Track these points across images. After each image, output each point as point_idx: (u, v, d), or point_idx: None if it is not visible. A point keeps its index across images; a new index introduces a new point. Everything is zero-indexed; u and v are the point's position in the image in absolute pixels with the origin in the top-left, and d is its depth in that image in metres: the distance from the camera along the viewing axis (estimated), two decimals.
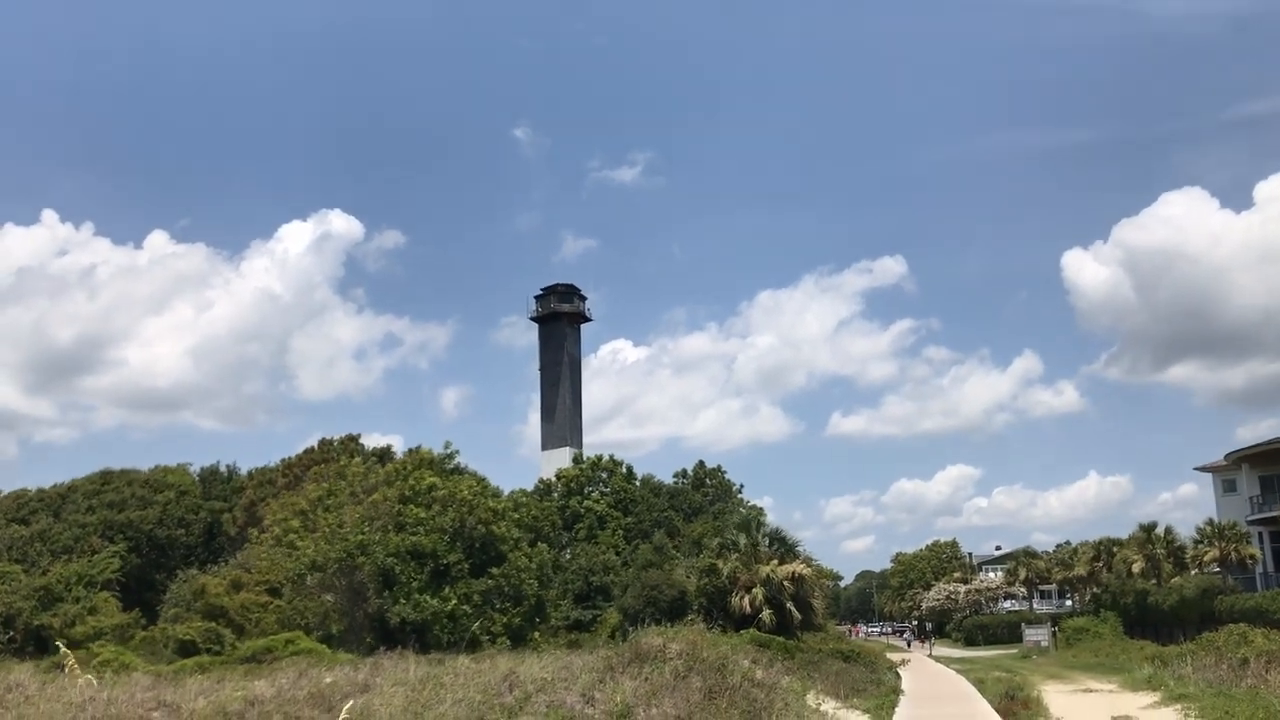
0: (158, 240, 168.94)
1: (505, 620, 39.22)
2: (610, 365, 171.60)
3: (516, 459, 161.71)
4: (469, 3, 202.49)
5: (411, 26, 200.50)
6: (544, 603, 43.54)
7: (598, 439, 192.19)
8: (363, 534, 39.12)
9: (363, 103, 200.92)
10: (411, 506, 40.68)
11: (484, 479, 47.61)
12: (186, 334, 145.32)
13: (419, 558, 39.14)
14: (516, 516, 43.68)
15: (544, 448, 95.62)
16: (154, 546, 58.86)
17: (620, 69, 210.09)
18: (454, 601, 38.37)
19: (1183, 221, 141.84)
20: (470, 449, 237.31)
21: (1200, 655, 30.36)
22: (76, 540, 54.67)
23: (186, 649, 39.97)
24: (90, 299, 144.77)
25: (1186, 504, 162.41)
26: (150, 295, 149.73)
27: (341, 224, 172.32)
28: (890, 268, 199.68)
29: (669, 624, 33.27)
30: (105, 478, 61.81)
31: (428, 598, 37.99)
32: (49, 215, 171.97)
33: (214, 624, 42.90)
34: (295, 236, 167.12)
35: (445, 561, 39.40)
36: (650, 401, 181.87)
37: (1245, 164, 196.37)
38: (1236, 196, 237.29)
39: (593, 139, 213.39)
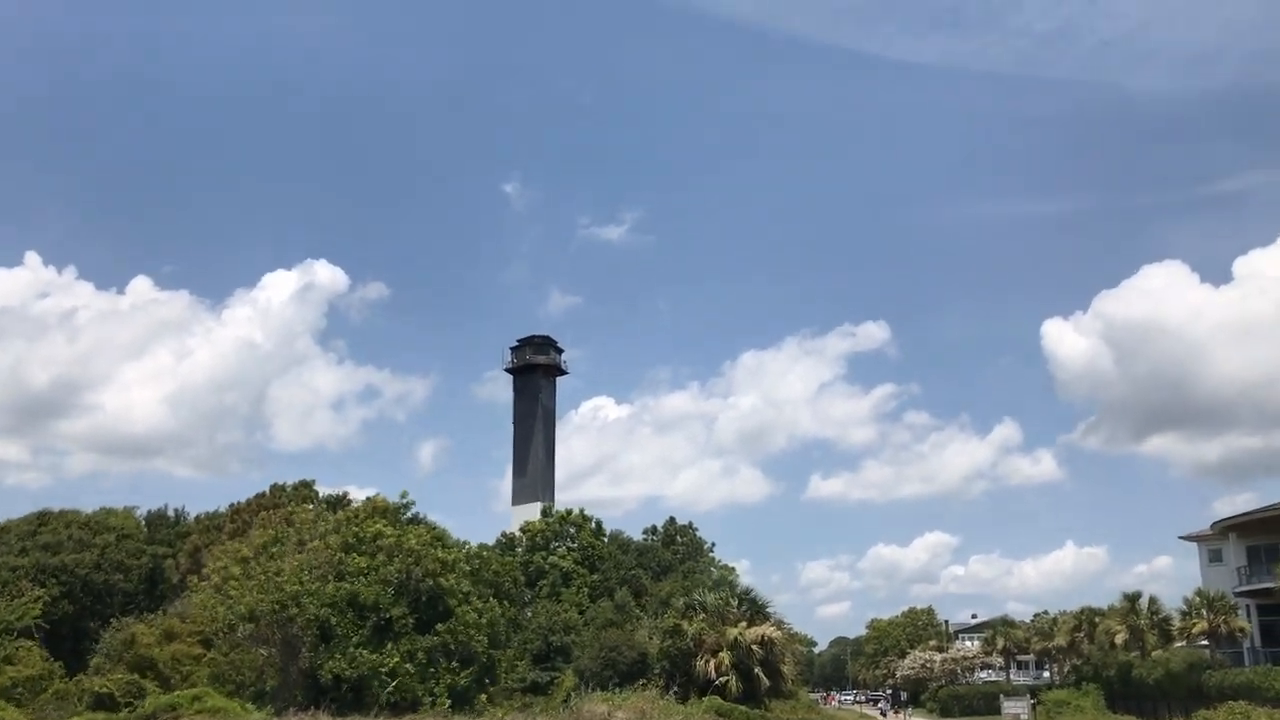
0: (141, 286, 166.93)
1: (449, 681, 36.36)
2: (591, 422, 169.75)
3: (492, 514, 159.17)
4: (462, 57, 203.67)
5: (403, 79, 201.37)
6: (495, 663, 40.74)
7: (576, 496, 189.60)
8: (299, 582, 36.44)
9: (353, 154, 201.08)
10: (354, 555, 38.07)
11: (440, 529, 44.96)
12: (165, 381, 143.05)
13: (360, 610, 36.44)
14: (468, 569, 41.03)
15: (514, 502, 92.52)
16: (89, 592, 55.45)
17: (611, 128, 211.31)
18: (395, 659, 35.58)
19: (1162, 294, 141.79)
20: (446, 503, 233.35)
21: None
22: (5, 584, 51.39)
23: (102, 703, 37.05)
24: (69, 342, 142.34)
25: (1162, 576, 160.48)
26: (130, 341, 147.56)
27: (326, 274, 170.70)
28: (873, 332, 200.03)
29: (621, 689, 30.93)
30: (42, 518, 58.47)
31: (366, 653, 35.24)
32: (32, 257, 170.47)
33: (138, 677, 39.94)
34: (279, 286, 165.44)
35: (388, 615, 36.69)
36: (630, 460, 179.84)
37: (1225, 239, 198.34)
38: (1216, 271, 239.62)
39: (582, 196, 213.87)
